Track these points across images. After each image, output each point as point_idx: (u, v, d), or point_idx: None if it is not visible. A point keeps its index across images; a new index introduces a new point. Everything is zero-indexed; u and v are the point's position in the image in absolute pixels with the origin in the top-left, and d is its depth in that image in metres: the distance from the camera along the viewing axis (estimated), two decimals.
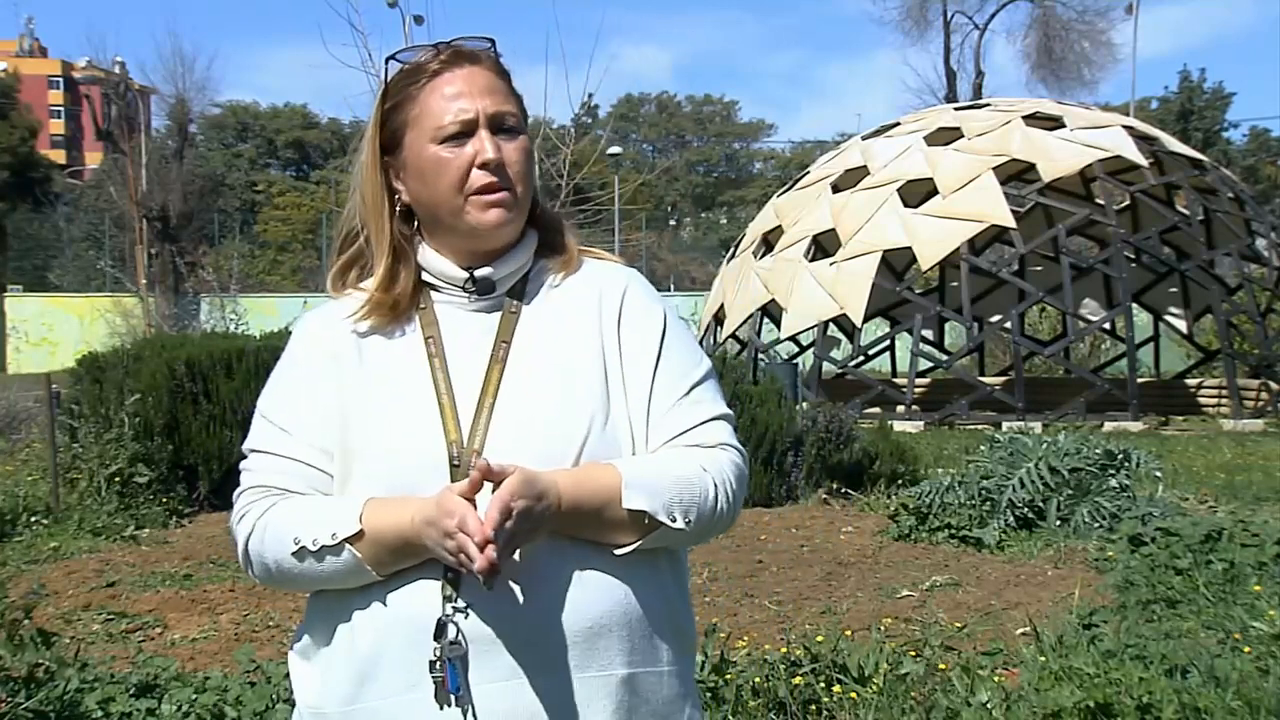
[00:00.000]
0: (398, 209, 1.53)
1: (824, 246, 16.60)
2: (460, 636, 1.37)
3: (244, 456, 1.53)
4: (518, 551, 1.37)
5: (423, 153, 1.48)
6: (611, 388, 1.49)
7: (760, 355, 16.16)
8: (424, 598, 1.39)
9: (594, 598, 1.41)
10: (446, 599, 1.38)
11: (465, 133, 1.47)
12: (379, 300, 1.51)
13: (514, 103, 1.52)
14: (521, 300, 1.54)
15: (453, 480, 1.40)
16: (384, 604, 1.41)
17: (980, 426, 14.72)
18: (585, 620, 1.40)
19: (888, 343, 19.77)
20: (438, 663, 1.36)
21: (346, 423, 1.46)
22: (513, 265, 1.53)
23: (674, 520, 1.41)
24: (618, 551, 1.42)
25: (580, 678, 1.39)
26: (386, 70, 1.51)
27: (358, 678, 1.42)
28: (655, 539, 1.43)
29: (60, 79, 76.65)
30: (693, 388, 1.52)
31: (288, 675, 1.59)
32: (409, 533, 1.36)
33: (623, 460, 1.45)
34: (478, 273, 1.51)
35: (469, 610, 1.38)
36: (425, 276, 1.54)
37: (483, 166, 1.46)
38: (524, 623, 1.38)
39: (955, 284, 17.88)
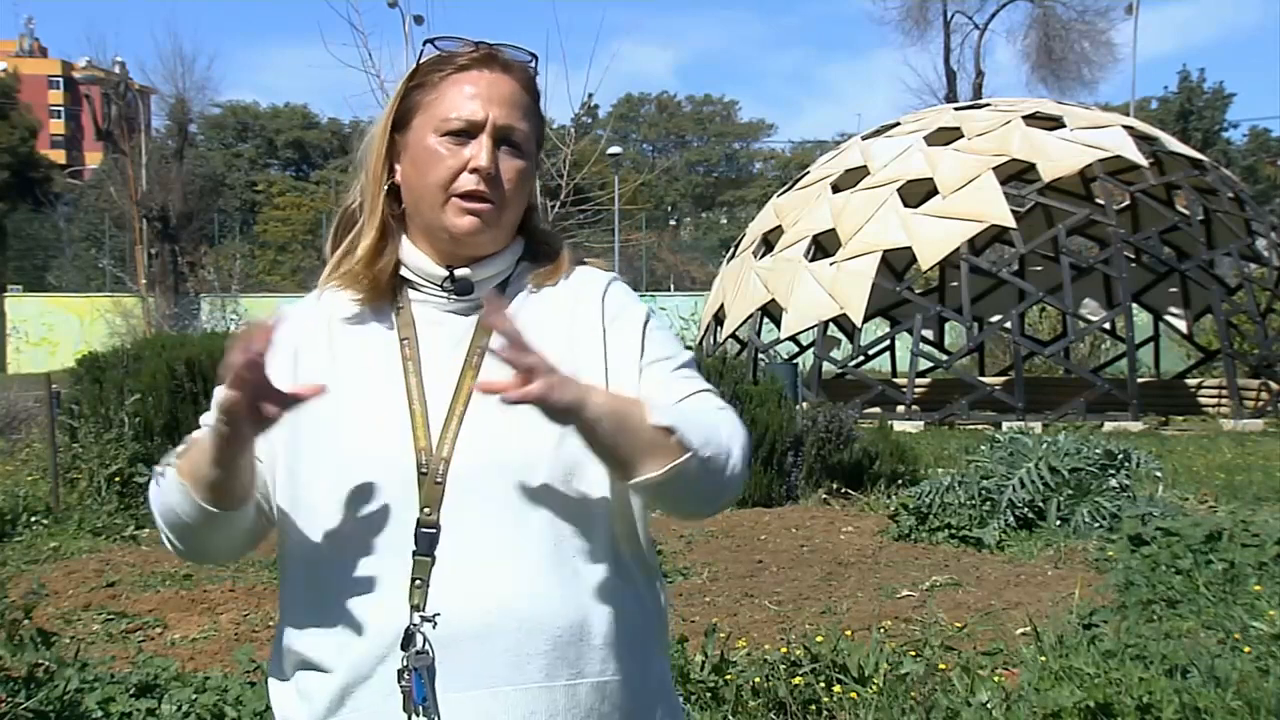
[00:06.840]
0: (386, 187, 1.51)
1: (824, 246, 16.61)
2: (427, 646, 1.35)
3: None
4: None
5: (423, 139, 1.47)
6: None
7: (760, 355, 16.17)
8: (392, 606, 1.38)
9: (566, 607, 1.39)
10: (414, 608, 1.37)
11: (469, 133, 1.45)
12: (359, 272, 1.49)
13: (530, 122, 1.50)
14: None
15: (420, 491, 1.38)
16: (352, 614, 1.40)
17: (980, 426, 14.73)
18: (556, 629, 1.38)
19: (888, 343, 19.77)
20: (405, 672, 1.36)
21: (296, 419, 1.37)
22: (493, 269, 1.51)
23: (699, 449, 1.35)
24: (636, 479, 1.35)
25: (550, 685, 1.38)
26: (423, 52, 1.50)
27: (330, 691, 1.41)
28: (672, 477, 1.35)
29: (60, 79, 76.66)
30: (680, 367, 1.51)
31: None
32: (213, 417, 1.34)
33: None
34: (457, 272, 1.49)
35: (436, 619, 1.36)
36: (404, 272, 1.51)
37: (474, 171, 1.44)
38: (493, 630, 1.37)
39: (955, 284, 17.88)
